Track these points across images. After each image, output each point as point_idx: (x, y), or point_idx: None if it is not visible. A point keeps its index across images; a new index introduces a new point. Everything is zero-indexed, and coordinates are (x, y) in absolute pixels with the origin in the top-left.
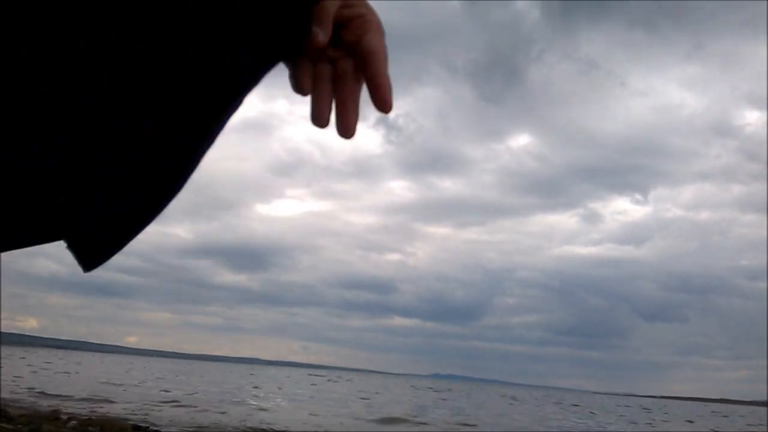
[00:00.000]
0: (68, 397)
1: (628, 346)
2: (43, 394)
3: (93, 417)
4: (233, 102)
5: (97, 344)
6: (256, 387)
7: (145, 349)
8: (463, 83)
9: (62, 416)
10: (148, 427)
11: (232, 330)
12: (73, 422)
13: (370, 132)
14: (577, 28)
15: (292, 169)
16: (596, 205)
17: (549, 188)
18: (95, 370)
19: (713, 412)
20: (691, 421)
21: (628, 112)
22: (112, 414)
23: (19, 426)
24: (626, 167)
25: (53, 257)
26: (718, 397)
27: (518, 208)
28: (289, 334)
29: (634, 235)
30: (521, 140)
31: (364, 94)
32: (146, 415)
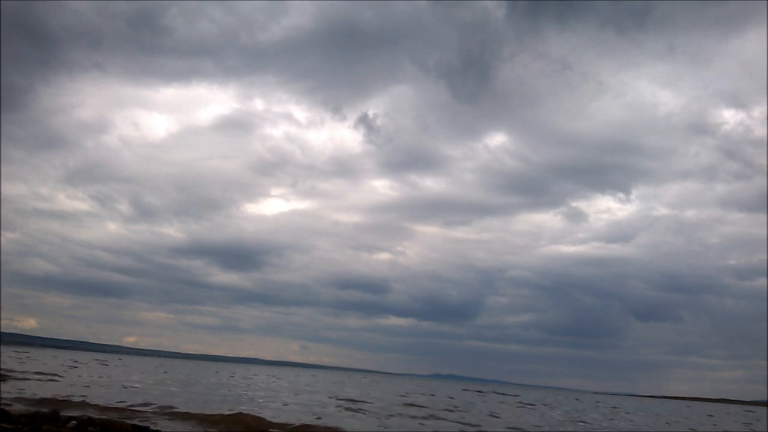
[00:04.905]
0: None
1: (625, 346)
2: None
3: (93, 417)
4: None
5: (97, 344)
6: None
7: (144, 349)
8: (437, 82)
9: (62, 416)
10: (148, 426)
11: (229, 330)
12: (73, 422)
13: (350, 132)
14: (545, 27)
15: (274, 168)
16: (579, 204)
17: (530, 187)
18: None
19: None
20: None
21: (604, 112)
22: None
23: (19, 426)
24: (606, 166)
25: (48, 257)
26: (717, 397)
27: (502, 207)
28: (287, 333)
29: (620, 233)
30: (498, 139)
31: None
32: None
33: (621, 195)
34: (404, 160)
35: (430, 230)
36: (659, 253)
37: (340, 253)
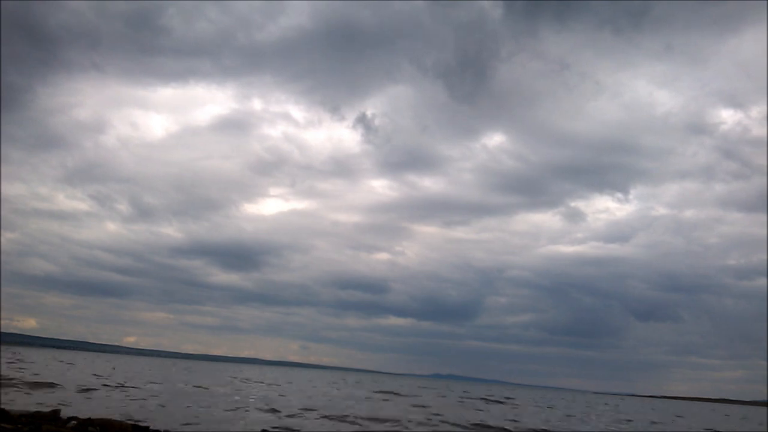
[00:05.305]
0: None
1: (625, 346)
2: None
3: (93, 417)
4: None
5: (97, 344)
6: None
7: (144, 349)
8: (435, 82)
9: (62, 416)
10: (148, 426)
11: (229, 330)
12: (73, 422)
13: (348, 132)
14: (542, 27)
15: (273, 168)
16: (578, 204)
17: (529, 187)
18: None
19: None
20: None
21: (602, 111)
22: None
23: (19, 426)
24: (604, 166)
25: (47, 257)
26: (717, 397)
27: (500, 206)
28: (287, 333)
29: (618, 233)
30: (496, 139)
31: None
32: None
33: (619, 195)
34: (403, 160)
35: (429, 230)
36: (658, 252)
37: (340, 253)
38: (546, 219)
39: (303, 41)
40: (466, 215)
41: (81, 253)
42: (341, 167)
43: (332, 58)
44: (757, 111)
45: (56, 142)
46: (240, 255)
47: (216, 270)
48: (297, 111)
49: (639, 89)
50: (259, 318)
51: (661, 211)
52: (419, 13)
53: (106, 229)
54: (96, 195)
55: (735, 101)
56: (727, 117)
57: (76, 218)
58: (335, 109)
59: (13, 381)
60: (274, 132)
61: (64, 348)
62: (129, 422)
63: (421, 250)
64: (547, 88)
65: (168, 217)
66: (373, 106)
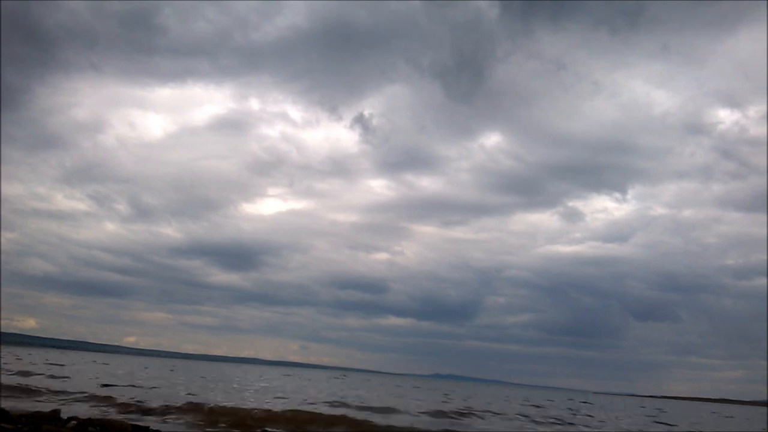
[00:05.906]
0: None
1: (624, 346)
2: None
3: (93, 417)
4: None
5: (97, 344)
6: None
7: (144, 349)
8: (432, 82)
9: (62, 416)
10: (148, 426)
11: (229, 330)
12: (73, 422)
13: (346, 132)
14: (538, 27)
15: (271, 168)
16: (576, 204)
17: (526, 187)
18: None
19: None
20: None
21: (599, 111)
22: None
23: (19, 426)
24: (602, 166)
25: (46, 257)
26: (717, 397)
27: (498, 206)
28: (287, 333)
29: (617, 233)
30: (493, 139)
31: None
32: None
33: (617, 195)
34: (400, 160)
35: (427, 230)
36: (657, 252)
37: (338, 253)
38: (544, 219)
39: (300, 41)
40: (464, 215)
41: (80, 253)
42: (339, 167)
43: (329, 58)
44: (754, 110)
45: (54, 142)
46: (239, 255)
47: (215, 270)
48: (295, 111)
49: (636, 89)
50: (259, 318)
51: (660, 210)
52: (416, 13)
53: (104, 229)
54: (95, 195)
55: (732, 101)
56: (725, 117)
57: (74, 218)
58: (333, 109)
59: None
60: (272, 132)
61: (65, 348)
62: (129, 422)
63: (419, 249)
64: (544, 88)
65: (167, 217)
66: (371, 106)
